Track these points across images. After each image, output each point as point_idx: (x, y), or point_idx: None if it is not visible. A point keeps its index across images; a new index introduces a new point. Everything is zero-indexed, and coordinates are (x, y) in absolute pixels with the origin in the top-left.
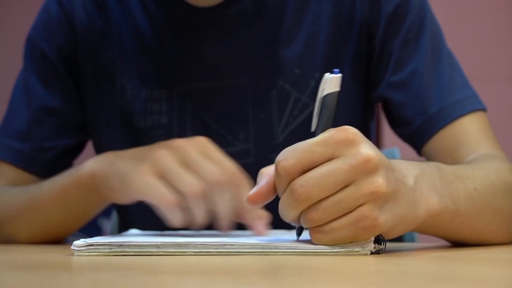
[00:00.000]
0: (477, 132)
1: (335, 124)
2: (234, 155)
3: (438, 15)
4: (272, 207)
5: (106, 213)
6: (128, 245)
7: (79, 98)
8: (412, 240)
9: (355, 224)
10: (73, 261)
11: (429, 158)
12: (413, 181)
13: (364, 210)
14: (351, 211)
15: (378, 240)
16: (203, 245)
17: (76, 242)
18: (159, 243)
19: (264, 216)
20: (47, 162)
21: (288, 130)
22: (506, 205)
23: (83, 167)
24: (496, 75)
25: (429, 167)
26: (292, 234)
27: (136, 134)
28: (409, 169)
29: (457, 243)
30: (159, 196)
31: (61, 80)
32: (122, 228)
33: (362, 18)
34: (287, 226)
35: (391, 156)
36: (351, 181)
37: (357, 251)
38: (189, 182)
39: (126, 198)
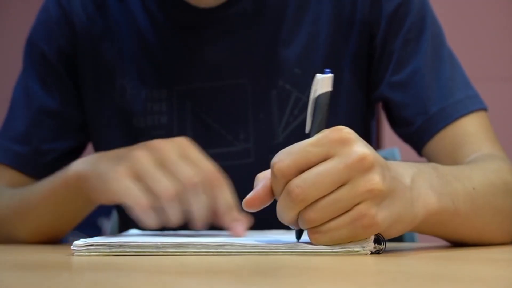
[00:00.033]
0: (478, 132)
1: (336, 124)
2: (234, 155)
3: (438, 15)
4: (270, 208)
5: (106, 213)
6: (128, 245)
7: (79, 98)
8: (412, 240)
9: (353, 222)
10: (73, 261)
11: (429, 158)
12: (410, 180)
13: (362, 208)
14: (348, 210)
15: (378, 240)
16: (203, 245)
17: (76, 242)
18: (159, 243)
19: (241, 218)
20: (46, 165)
21: (288, 130)
22: (506, 205)
23: (70, 168)
24: (496, 75)
25: (426, 167)
26: (291, 234)
27: (136, 134)
28: (405, 169)
29: (457, 243)
30: (133, 199)
31: (61, 80)
32: (122, 228)
33: (363, 18)
34: (286, 226)
35: (391, 156)
36: (347, 180)
37: (357, 251)
38: (164, 184)
39: (107, 199)
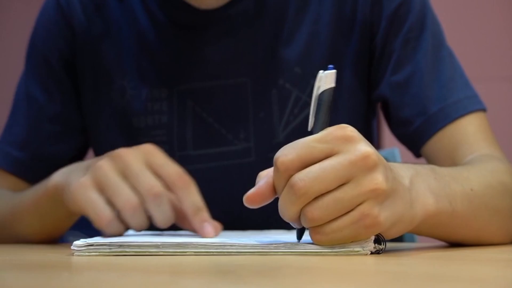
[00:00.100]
0: (476, 132)
1: (337, 123)
2: (235, 154)
3: (438, 15)
4: (270, 208)
5: None
6: (128, 245)
7: (78, 102)
8: (412, 240)
9: (357, 223)
10: (73, 261)
11: (428, 158)
12: (409, 181)
13: (365, 208)
14: (351, 210)
15: (378, 240)
16: (203, 245)
17: (76, 242)
18: (159, 243)
19: (209, 219)
20: (45, 171)
21: (288, 129)
22: (504, 206)
23: (51, 179)
24: (496, 75)
25: (424, 169)
26: (292, 234)
27: (136, 134)
28: (404, 170)
29: (456, 244)
30: (95, 212)
31: (61, 84)
32: None
33: (364, 17)
34: (287, 226)
35: (391, 156)
36: (350, 177)
37: (357, 251)
38: (125, 197)
39: (74, 210)
